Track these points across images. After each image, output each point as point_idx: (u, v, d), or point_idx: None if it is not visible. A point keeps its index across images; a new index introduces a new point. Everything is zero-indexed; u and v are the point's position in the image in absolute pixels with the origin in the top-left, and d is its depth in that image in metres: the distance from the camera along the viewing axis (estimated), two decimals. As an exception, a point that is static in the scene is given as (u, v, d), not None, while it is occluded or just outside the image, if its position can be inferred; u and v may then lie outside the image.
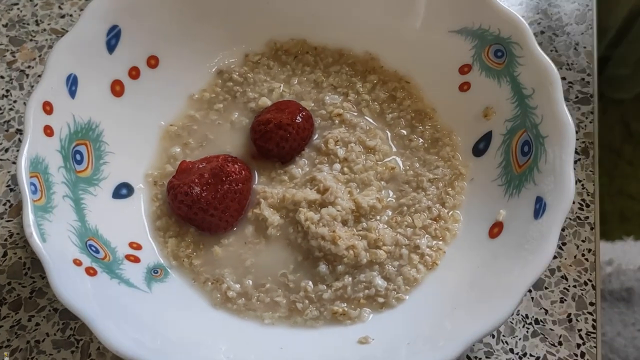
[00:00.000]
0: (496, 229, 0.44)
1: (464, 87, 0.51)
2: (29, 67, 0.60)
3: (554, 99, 0.43)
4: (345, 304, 0.44)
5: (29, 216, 0.38)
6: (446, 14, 0.50)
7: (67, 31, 0.60)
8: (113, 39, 0.48)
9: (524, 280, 0.38)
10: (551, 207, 0.40)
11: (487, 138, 0.49)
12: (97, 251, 0.42)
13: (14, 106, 0.57)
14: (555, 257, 0.50)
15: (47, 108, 0.43)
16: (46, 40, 0.62)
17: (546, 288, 0.49)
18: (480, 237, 0.45)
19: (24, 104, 0.57)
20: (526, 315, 0.48)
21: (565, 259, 0.51)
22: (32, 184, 0.40)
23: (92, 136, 0.47)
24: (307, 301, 0.45)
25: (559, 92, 0.43)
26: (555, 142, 0.42)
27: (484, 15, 0.48)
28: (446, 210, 0.48)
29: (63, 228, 0.41)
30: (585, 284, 0.50)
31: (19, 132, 0.56)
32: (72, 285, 0.37)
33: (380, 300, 0.44)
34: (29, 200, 0.39)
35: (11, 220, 0.52)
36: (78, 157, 0.45)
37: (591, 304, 0.49)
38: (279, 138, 0.49)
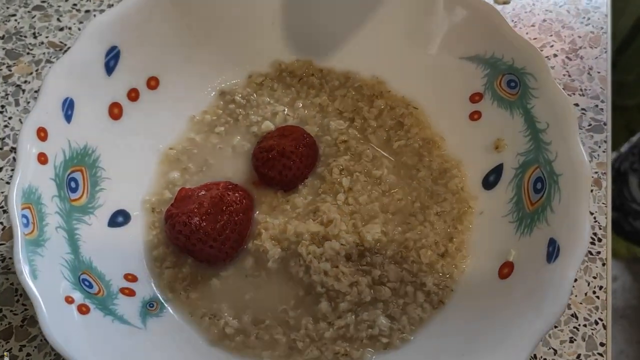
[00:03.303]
0: (506, 270, 0.42)
1: (475, 116, 0.49)
2: (25, 81, 0.58)
3: (570, 136, 0.41)
4: (348, 344, 0.43)
5: (20, 252, 0.36)
6: (458, 40, 0.49)
7: (65, 45, 0.60)
8: (112, 60, 0.46)
9: (534, 331, 0.36)
10: (565, 252, 0.38)
11: (497, 171, 0.47)
12: (90, 286, 0.40)
13: (9, 123, 0.56)
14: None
15: (42, 134, 0.41)
16: (43, 53, 0.60)
17: (555, 327, 0.48)
18: (490, 276, 0.43)
19: (20, 121, 0.56)
20: (534, 355, 0.47)
21: (576, 296, 0.49)
22: (24, 216, 0.38)
23: (88, 162, 0.45)
24: (307, 340, 0.43)
25: (574, 129, 0.41)
26: (570, 182, 0.40)
27: (497, 43, 0.47)
28: (454, 246, 0.46)
29: (55, 262, 0.39)
30: (596, 323, 0.48)
31: (14, 150, 0.54)
32: (63, 327, 0.35)
33: (384, 340, 0.43)
34: (19, 234, 0.37)
35: (4, 244, 0.50)
36: (73, 184, 0.44)
37: (602, 344, 0.47)
38: (281, 166, 0.47)
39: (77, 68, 0.44)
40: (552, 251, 0.39)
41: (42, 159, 0.41)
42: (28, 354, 0.46)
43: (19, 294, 0.48)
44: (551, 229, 0.40)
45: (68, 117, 0.44)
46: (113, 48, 0.46)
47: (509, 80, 0.46)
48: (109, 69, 0.46)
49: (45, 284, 0.36)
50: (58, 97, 0.43)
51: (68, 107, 0.44)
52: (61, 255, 0.40)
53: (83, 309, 0.38)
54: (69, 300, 0.38)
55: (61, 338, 0.35)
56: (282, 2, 0.52)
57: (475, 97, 0.49)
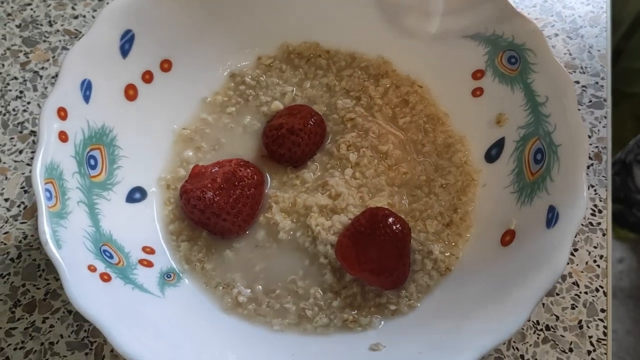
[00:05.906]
0: (508, 237, 0.44)
1: (477, 92, 0.51)
2: (42, 68, 0.60)
3: (568, 108, 0.43)
4: (356, 312, 0.45)
5: (44, 223, 0.38)
6: (459, 19, 0.50)
7: (80, 32, 0.62)
8: (127, 43, 0.48)
9: (534, 292, 0.37)
10: (564, 217, 0.40)
11: (499, 144, 0.49)
12: (111, 256, 0.42)
13: (27, 107, 0.58)
14: (567, 264, 0.50)
15: (62, 114, 0.43)
16: (59, 41, 0.62)
17: (557, 294, 0.49)
18: (493, 244, 0.45)
19: (38, 105, 0.58)
20: (537, 321, 0.48)
21: (577, 265, 0.51)
22: (47, 190, 0.40)
23: (105, 141, 0.47)
24: (316, 308, 0.45)
25: (573, 101, 0.43)
26: (568, 151, 0.42)
27: (497, 20, 0.48)
28: (458, 217, 0.48)
29: (78, 234, 0.41)
30: (597, 290, 0.50)
31: (33, 133, 0.56)
32: (86, 292, 0.37)
33: (392, 307, 0.44)
34: (44, 207, 0.39)
35: (25, 222, 0.52)
36: (92, 162, 0.46)
37: (602, 310, 0.49)
38: (290, 143, 0.49)
39: (94, 51, 0.46)
40: (552, 217, 0.41)
41: (63, 137, 0.43)
42: (51, 325, 0.48)
43: (42, 269, 0.50)
44: (551, 197, 0.42)
45: (86, 98, 0.46)
46: (128, 32, 0.48)
47: (509, 56, 0.48)
48: (124, 51, 0.48)
49: (68, 253, 0.38)
50: (77, 79, 0.45)
51: (86, 88, 0.45)
52: (83, 227, 0.42)
53: (105, 277, 0.40)
54: (92, 268, 0.40)
55: (85, 302, 0.37)
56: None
57: (477, 74, 0.51)
